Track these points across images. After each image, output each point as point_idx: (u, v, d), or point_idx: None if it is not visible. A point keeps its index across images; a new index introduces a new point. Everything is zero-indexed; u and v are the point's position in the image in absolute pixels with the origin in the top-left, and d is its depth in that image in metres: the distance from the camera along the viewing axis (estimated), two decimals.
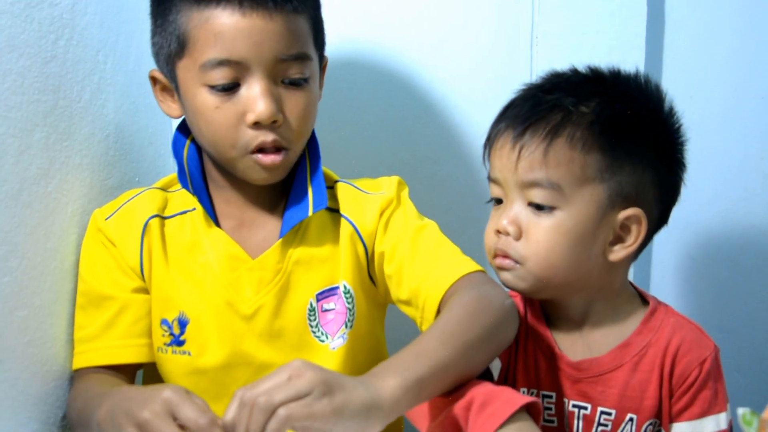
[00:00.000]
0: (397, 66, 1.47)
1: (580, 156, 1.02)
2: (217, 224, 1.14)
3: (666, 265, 1.52)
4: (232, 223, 1.15)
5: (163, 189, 1.18)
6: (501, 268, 1.08)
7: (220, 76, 1.04)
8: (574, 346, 1.11)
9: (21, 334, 1.03)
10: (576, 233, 1.04)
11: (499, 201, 1.09)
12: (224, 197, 1.15)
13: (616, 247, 1.06)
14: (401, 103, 1.48)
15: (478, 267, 1.09)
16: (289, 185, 1.15)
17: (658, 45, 1.45)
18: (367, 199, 1.16)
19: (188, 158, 1.14)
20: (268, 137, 1.06)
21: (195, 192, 1.12)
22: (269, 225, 1.15)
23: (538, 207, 1.04)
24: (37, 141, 1.04)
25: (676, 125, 1.10)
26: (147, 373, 1.19)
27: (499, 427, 0.89)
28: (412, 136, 1.49)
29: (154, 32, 1.10)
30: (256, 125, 1.05)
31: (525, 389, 1.12)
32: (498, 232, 1.06)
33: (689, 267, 1.52)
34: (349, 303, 1.14)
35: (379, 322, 1.21)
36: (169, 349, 1.12)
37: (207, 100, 1.05)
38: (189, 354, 1.12)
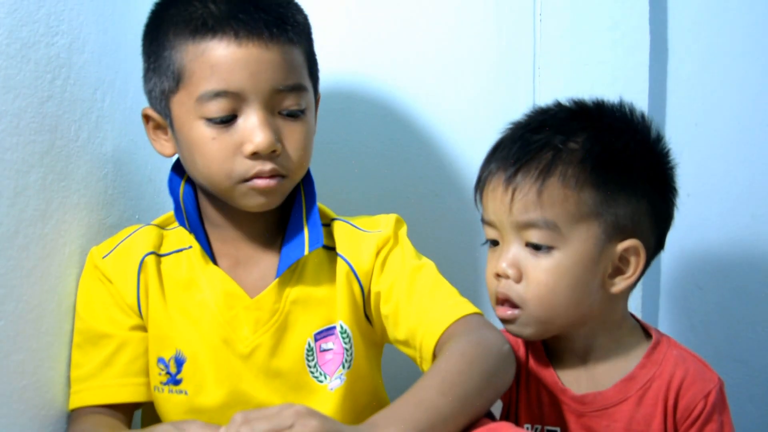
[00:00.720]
0: (398, 99, 1.46)
1: (574, 193, 1.02)
2: (214, 262, 1.12)
3: (674, 295, 1.50)
4: (229, 261, 1.13)
5: (160, 226, 1.17)
6: (504, 320, 1.07)
7: (218, 108, 1.03)
8: (578, 380, 1.10)
9: (18, 378, 1.01)
10: (576, 272, 1.04)
11: (494, 242, 1.08)
12: (220, 236, 1.14)
13: (616, 280, 1.06)
14: (402, 136, 1.47)
15: (475, 309, 1.07)
16: (284, 223, 1.14)
17: (662, 74, 1.44)
18: (363, 238, 1.14)
19: (184, 196, 1.13)
20: (266, 166, 1.05)
21: (192, 230, 1.11)
22: (265, 263, 1.13)
23: (536, 247, 1.04)
24: (34, 182, 1.03)
25: (665, 151, 1.10)
26: (146, 413, 1.17)
27: None
28: (414, 170, 1.48)
29: (148, 70, 1.10)
30: (254, 156, 1.04)
31: (529, 425, 1.11)
32: (498, 275, 1.06)
33: (698, 296, 1.51)
34: (346, 343, 1.12)
35: (376, 363, 1.19)
36: (166, 388, 1.10)
37: (203, 132, 1.04)
38: (186, 393, 1.10)
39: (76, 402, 1.09)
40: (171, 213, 1.16)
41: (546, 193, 1.02)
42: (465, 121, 1.46)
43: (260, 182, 1.05)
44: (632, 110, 1.09)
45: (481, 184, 1.09)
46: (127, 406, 1.11)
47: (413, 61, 1.46)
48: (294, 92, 1.06)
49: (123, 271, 1.11)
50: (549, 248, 1.03)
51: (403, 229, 1.17)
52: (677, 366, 1.06)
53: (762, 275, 1.49)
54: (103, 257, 1.12)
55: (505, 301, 1.06)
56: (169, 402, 1.11)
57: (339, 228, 1.16)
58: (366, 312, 1.14)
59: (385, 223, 1.16)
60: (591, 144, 1.03)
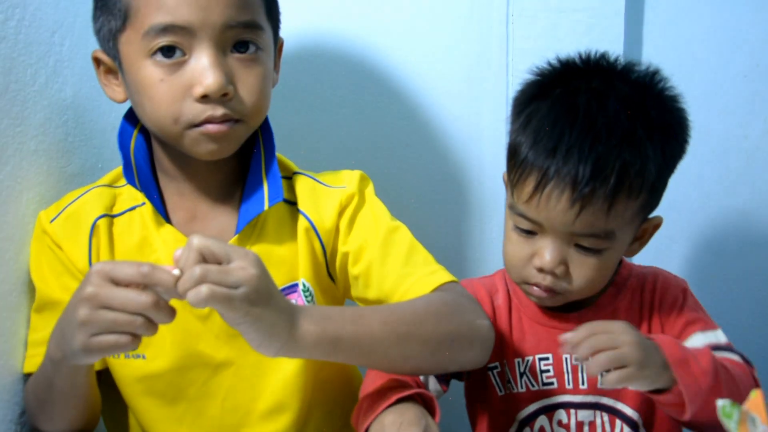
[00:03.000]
0: (367, 48, 1.43)
1: (634, 202, 1.02)
2: (168, 219, 1.08)
3: (645, 248, 1.48)
4: (184, 216, 1.09)
5: (110, 185, 1.12)
6: (540, 297, 1.08)
7: (165, 42, 0.97)
8: (562, 306, 1.12)
9: None
10: (617, 259, 1.08)
11: (528, 231, 1.06)
12: (176, 189, 1.10)
13: (634, 246, 1.10)
14: (372, 85, 1.44)
15: (452, 277, 1.06)
16: (243, 175, 1.10)
17: (638, 22, 1.42)
18: (325, 193, 1.11)
19: (135, 150, 1.09)
20: (217, 111, 0.99)
21: (142, 187, 1.07)
22: (223, 218, 1.10)
23: (587, 249, 1.03)
24: None
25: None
26: (101, 379, 1.11)
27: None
28: (384, 119, 1.45)
29: (96, 9, 1.05)
30: (204, 98, 0.99)
31: (520, 359, 1.12)
32: (542, 269, 1.04)
33: (670, 250, 1.49)
34: (308, 301, 1.09)
35: None
36: (122, 353, 1.05)
37: (152, 72, 0.99)
38: (143, 357, 1.07)
39: (31, 366, 1.06)
40: (120, 168, 1.11)
41: (613, 209, 1.00)
42: (436, 70, 1.44)
43: (212, 127, 1.00)
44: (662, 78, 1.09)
45: (531, 182, 1.01)
46: None
47: (384, 9, 1.42)
48: (249, 30, 1.00)
49: (73, 236, 1.07)
50: (600, 249, 1.03)
51: (370, 188, 1.13)
52: (648, 272, 1.13)
53: (736, 230, 1.48)
54: (51, 221, 1.08)
55: (547, 290, 1.06)
56: (125, 367, 1.08)
57: (301, 182, 1.12)
58: (329, 270, 1.12)
59: (348, 179, 1.12)
60: (655, 153, 1.01)
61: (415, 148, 1.45)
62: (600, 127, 1.00)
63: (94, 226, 1.07)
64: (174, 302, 1.05)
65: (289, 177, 1.13)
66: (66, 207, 1.09)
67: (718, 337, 1.08)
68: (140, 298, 0.82)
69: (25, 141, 1.08)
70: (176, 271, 0.83)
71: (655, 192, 1.04)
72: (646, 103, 1.03)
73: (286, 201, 1.10)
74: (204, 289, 0.80)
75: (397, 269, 1.06)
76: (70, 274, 1.07)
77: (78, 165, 1.21)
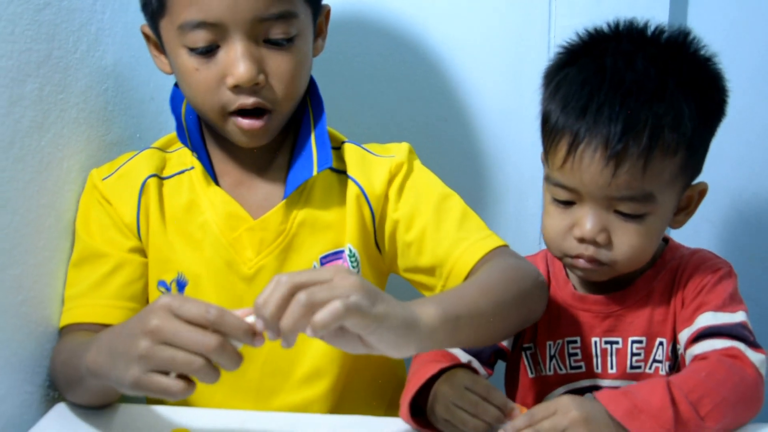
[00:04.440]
0: (408, 23, 1.42)
1: (671, 161, 0.99)
2: (216, 182, 1.10)
3: (684, 228, 1.46)
4: (232, 181, 1.11)
5: (162, 149, 1.14)
6: (586, 269, 1.05)
7: (198, 38, 1.00)
8: (597, 285, 1.10)
9: (14, 293, 0.99)
10: (662, 228, 1.05)
11: (566, 202, 1.04)
12: (223, 154, 1.11)
13: (680, 216, 1.07)
14: (412, 60, 1.44)
15: (503, 242, 1.08)
16: (292, 142, 1.11)
17: (683, 1, 1.39)
18: (376, 162, 1.12)
19: (186, 114, 1.10)
20: (248, 100, 1.01)
21: (194, 148, 1.08)
22: (271, 184, 1.11)
23: (626, 214, 1.01)
24: (30, 92, 1.00)
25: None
26: None
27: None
28: (424, 94, 1.45)
29: None
30: (236, 88, 1.01)
31: (551, 342, 1.11)
32: (583, 239, 1.02)
33: (709, 231, 1.48)
34: (354, 266, 1.10)
35: None
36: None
37: (187, 61, 1.01)
38: None
39: (65, 320, 1.07)
40: (172, 135, 1.14)
41: (649, 167, 0.97)
42: (477, 46, 1.42)
43: (245, 122, 1.03)
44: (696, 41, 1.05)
45: (563, 146, 1.00)
46: None
47: None
48: (280, 20, 1.01)
49: (123, 194, 1.09)
50: (641, 215, 1.01)
51: (417, 160, 1.15)
52: (692, 255, 1.10)
53: None
54: (103, 179, 1.10)
55: (591, 261, 1.03)
56: None
57: (350, 151, 1.13)
58: (377, 240, 1.12)
59: (396, 149, 1.14)
60: (689, 108, 0.99)
61: (453, 123, 1.45)
62: (629, 84, 0.98)
63: (144, 185, 1.09)
64: (219, 261, 1.07)
65: (338, 147, 1.14)
66: (119, 167, 1.11)
67: (733, 318, 1.01)
68: (204, 339, 0.77)
69: (66, 108, 1.08)
70: (251, 318, 0.78)
71: (693, 152, 1.01)
72: (677, 60, 1.01)
73: (334, 170, 1.11)
74: (338, 304, 0.74)
75: (452, 234, 1.07)
76: (117, 228, 1.09)
77: (117, 134, 1.22)
